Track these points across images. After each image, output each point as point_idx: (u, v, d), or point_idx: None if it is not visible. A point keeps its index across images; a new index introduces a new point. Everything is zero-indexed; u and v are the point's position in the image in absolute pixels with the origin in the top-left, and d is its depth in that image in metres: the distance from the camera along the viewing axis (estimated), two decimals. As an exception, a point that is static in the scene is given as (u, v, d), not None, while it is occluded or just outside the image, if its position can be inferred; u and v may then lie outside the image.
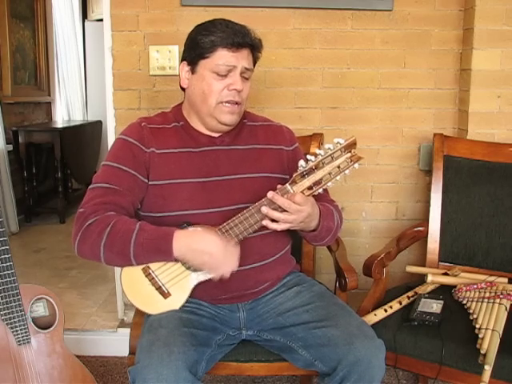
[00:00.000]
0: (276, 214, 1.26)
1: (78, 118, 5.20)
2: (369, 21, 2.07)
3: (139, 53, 2.07)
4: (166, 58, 2.05)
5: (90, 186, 1.35)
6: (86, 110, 5.37)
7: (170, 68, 2.06)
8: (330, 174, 1.26)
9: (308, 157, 1.26)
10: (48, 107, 4.94)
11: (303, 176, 1.27)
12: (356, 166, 1.26)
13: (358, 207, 2.20)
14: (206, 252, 1.23)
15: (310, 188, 1.27)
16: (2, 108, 3.67)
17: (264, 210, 1.26)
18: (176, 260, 1.27)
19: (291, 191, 1.27)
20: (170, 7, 2.04)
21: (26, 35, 4.35)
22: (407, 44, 2.09)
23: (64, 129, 4.25)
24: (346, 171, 1.26)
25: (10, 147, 3.89)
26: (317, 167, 1.26)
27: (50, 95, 4.89)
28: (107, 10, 2.05)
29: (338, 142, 1.25)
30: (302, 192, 1.27)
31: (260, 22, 2.05)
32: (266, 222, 1.27)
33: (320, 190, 1.28)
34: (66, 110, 5.13)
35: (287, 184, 1.28)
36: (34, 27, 4.49)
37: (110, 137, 2.14)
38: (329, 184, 1.28)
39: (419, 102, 2.13)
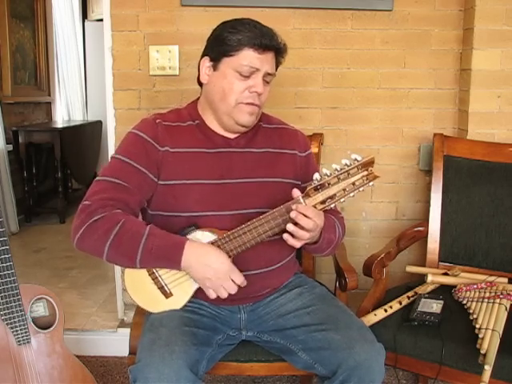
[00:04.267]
0: (301, 232, 1.24)
1: (78, 118, 5.19)
2: (369, 21, 2.07)
3: (139, 53, 2.07)
4: (166, 58, 2.05)
5: (97, 178, 1.32)
6: (86, 110, 5.37)
7: (170, 68, 2.06)
8: (344, 190, 1.24)
9: (324, 171, 1.24)
10: (48, 107, 4.94)
11: (317, 190, 1.24)
12: (371, 184, 1.25)
13: (358, 207, 2.20)
14: (212, 267, 1.23)
15: (322, 202, 1.26)
16: (2, 108, 3.67)
17: (291, 228, 1.24)
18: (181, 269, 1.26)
19: (303, 204, 1.25)
20: (170, 7, 2.04)
21: (26, 35, 4.35)
22: (407, 44, 2.09)
23: (64, 129, 4.25)
24: (361, 188, 1.25)
25: (10, 147, 3.88)
26: (332, 182, 1.24)
27: (50, 95, 4.89)
28: (107, 10, 2.05)
29: (355, 159, 1.23)
30: (314, 206, 1.25)
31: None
32: (286, 237, 1.25)
33: (332, 205, 1.27)
34: (66, 110, 5.13)
35: (300, 197, 1.25)
36: (34, 27, 4.49)
37: (110, 137, 2.14)
38: (342, 200, 1.26)
39: (419, 102, 2.13)
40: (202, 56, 1.39)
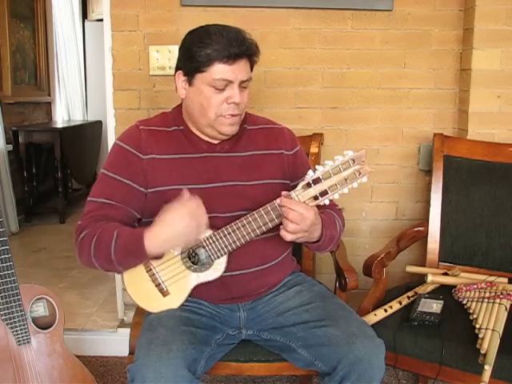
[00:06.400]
0: (285, 221, 1.24)
1: (78, 117, 5.20)
2: (369, 21, 2.07)
3: (139, 53, 2.07)
4: (166, 58, 2.05)
5: (88, 198, 1.36)
6: (86, 110, 5.37)
7: (170, 68, 2.05)
8: (336, 184, 1.24)
9: (316, 166, 1.25)
10: (48, 107, 4.94)
11: (309, 185, 1.25)
12: (364, 179, 1.24)
13: (358, 207, 2.20)
14: (175, 233, 1.20)
15: (315, 198, 1.26)
16: (2, 108, 3.67)
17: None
18: (156, 257, 1.26)
19: (296, 199, 1.25)
20: (170, 7, 2.04)
21: (26, 35, 4.35)
22: (407, 44, 2.09)
23: (64, 129, 4.25)
24: (354, 184, 1.24)
25: (10, 147, 3.88)
26: (324, 177, 1.24)
27: (49, 95, 4.89)
28: (107, 10, 2.05)
29: (346, 154, 1.24)
30: (306, 201, 1.25)
31: (260, 22, 2.05)
32: (281, 227, 1.26)
33: (326, 201, 1.26)
34: (66, 110, 5.13)
35: (292, 192, 1.26)
36: (34, 27, 4.49)
37: (110, 137, 2.14)
38: (335, 196, 1.26)
39: (419, 102, 2.13)
40: (176, 69, 1.38)
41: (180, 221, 1.20)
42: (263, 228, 1.29)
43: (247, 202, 1.36)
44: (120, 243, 1.24)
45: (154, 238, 1.22)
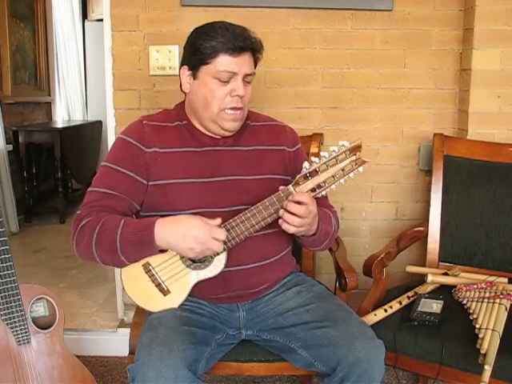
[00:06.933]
0: (290, 217, 1.25)
1: (78, 117, 5.20)
2: (369, 21, 2.07)
3: (139, 53, 2.07)
4: (166, 57, 2.05)
5: (88, 189, 1.36)
6: (86, 110, 5.37)
7: (170, 68, 2.06)
8: (333, 176, 1.25)
9: (312, 159, 1.25)
10: (48, 107, 4.94)
11: (306, 178, 1.26)
12: (360, 169, 1.25)
13: (357, 207, 2.20)
14: (190, 235, 1.23)
15: (313, 190, 1.26)
16: (2, 108, 3.67)
17: (281, 212, 1.27)
18: (161, 250, 1.27)
19: (294, 193, 1.26)
20: (170, 7, 2.05)
21: (26, 35, 4.35)
22: (407, 44, 2.09)
23: (64, 129, 4.25)
24: (351, 174, 1.25)
25: (10, 147, 3.89)
26: (320, 169, 1.25)
27: (49, 95, 4.89)
28: (107, 10, 2.05)
29: (342, 145, 1.24)
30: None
31: (260, 22, 2.05)
32: (280, 222, 1.27)
33: (323, 193, 1.27)
34: (66, 110, 5.13)
35: (290, 185, 1.27)
36: (34, 27, 4.49)
37: (110, 137, 2.14)
38: (332, 187, 1.27)
39: (419, 102, 2.13)
40: (181, 65, 1.40)
41: (199, 230, 1.22)
42: (262, 223, 1.29)
43: (248, 197, 1.36)
44: (128, 230, 1.25)
45: (166, 228, 1.23)
